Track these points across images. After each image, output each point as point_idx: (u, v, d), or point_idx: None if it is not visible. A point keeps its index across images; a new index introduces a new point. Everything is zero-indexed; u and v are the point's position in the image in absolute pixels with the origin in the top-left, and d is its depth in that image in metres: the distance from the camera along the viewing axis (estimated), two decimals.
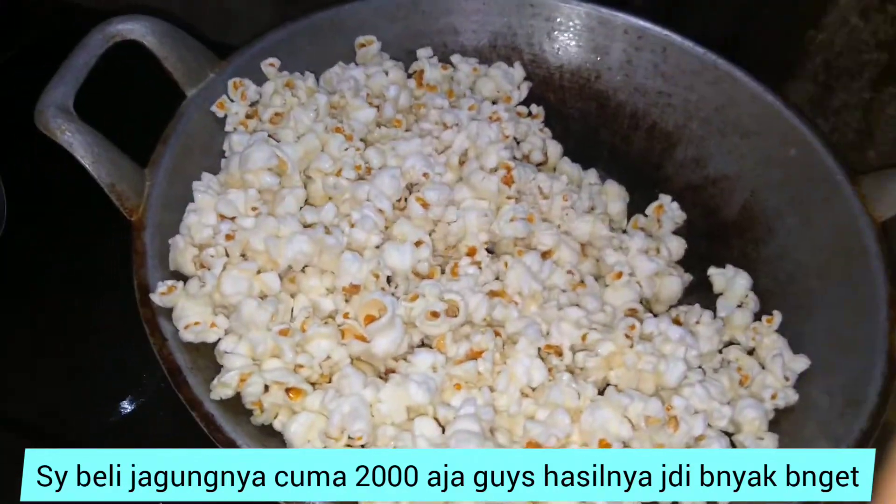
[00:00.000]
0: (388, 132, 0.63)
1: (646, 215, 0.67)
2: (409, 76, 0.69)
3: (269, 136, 0.59)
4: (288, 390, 0.46)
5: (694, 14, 0.76)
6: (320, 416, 0.46)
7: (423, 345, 0.52)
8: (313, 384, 0.48)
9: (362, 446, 0.45)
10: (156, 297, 0.49)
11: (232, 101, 0.61)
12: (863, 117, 0.74)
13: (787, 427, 0.53)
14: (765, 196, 0.66)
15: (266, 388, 0.47)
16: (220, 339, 0.49)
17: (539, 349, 0.51)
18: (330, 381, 0.49)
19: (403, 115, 0.64)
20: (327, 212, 0.54)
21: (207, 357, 0.49)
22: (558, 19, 0.73)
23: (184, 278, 0.52)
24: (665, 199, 0.67)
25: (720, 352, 0.58)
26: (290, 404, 0.46)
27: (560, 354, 0.51)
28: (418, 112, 0.66)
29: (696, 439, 0.50)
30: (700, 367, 0.54)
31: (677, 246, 0.65)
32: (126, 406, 0.61)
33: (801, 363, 0.55)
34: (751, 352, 0.59)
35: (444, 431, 0.46)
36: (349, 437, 0.44)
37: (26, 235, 0.69)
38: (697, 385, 0.51)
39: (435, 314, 0.51)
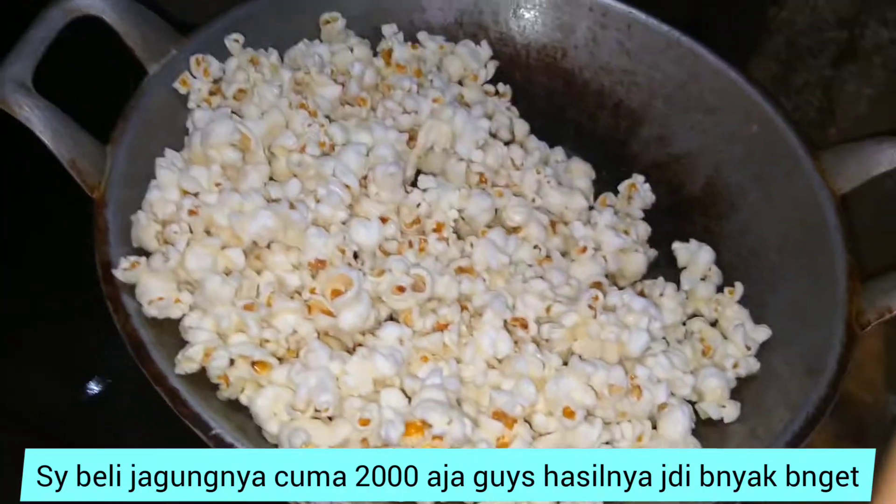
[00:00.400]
0: (353, 111, 0.63)
1: (616, 193, 0.67)
2: (376, 54, 0.69)
3: (233, 112, 0.59)
4: (254, 364, 0.46)
5: None
6: (287, 389, 0.46)
7: (390, 319, 0.52)
8: (280, 359, 0.48)
9: (329, 418, 0.45)
10: (119, 273, 0.48)
11: (194, 77, 0.61)
12: (824, 95, 0.75)
13: (748, 395, 0.54)
14: (728, 172, 0.67)
15: (231, 362, 0.46)
16: (184, 315, 0.49)
17: (505, 321, 0.52)
18: (297, 356, 0.49)
19: (369, 94, 0.64)
20: (292, 187, 0.54)
21: (172, 333, 0.49)
22: None
23: (146, 254, 0.51)
24: (638, 178, 0.67)
25: (684, 324, 0.59)
26: (256, 378, 0.46)
27: (525, 327, 0.52)
28: (385, 92, 0.65)
29: (658, 407, 0.50)
30: (664, 338, 0.55)
31: (643, 229, 0.66)
32: (93, 387, 0.61)
33: (762, 333, 0.56)
34: (714, 324, 0.60)
35: (410, 402, 0.47)
36: (315, 410, 0.44)
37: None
38: (660, 355, 0.52)
39: (401, 288, 0.51)
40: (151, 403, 0.58)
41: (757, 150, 0.65)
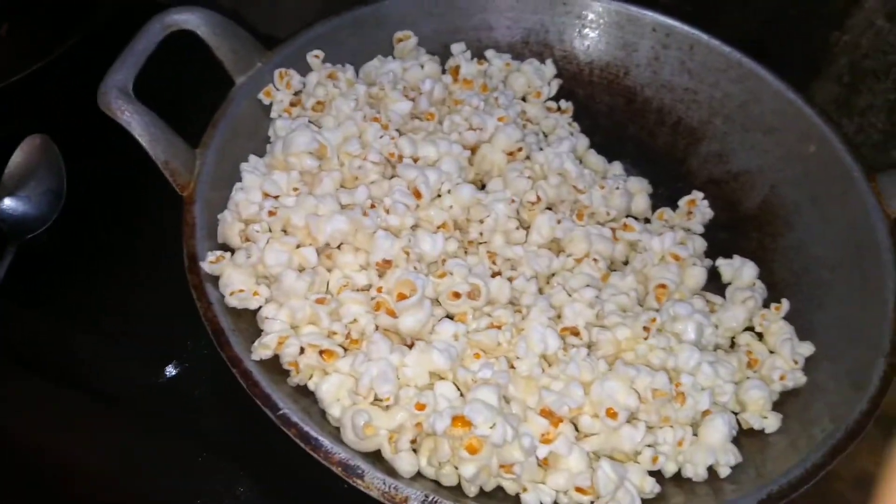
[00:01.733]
0: (422, 125, 0.67)
1: (673, 208, 0.69)
2: (444, 71, 0.73)
3: (311, 122, 0.63)
4: (321, 352, 0.50)
5: (721, 14, 0.79)
6: (349, 377, 0.50)
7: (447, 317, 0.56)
8: (344, 348, 0.52)
9: (387, 407, 0.49)
10: (205, 266, 0.53)
11: (278, 89, 0.66)
12: (888, 118, 0.76)
13: (793, 408, 0.56)
14: (784, 191, 0.68)
15: (302, 350, 0.50)
16: (261, 306, 0.54)
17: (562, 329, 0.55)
18: (357, 346, 0.53)
19: (437, 108, 0.68)
20: (360, 194, 0.58)
21: (247, 321, 0.54)
22: (589, 17, 0.76)
23: (230, 250, 0.56)
24: (697, 194, 0.69)
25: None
26: (323, 365, 0.50)
27: (577, 334, 0.55)
28: (452, 106, 0.69)
29: (701, 414, 0.52)
30: (714, 349, 0.57)
31: (700, 243, 0.67)
32: (171, 370, 0.65)
33: (807, 348, 0.58)
34: (760, 337, 0.61)
35: (461, 394, 0.50)
36: (376, 398, 0.48)
37: (85, 211, 0.74)
38: (705, 364, 0.54)
39: (457, 295, 0.54)
40: (221, 387, 0.64)
41: (814, 170, 0.66)
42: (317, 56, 0.68)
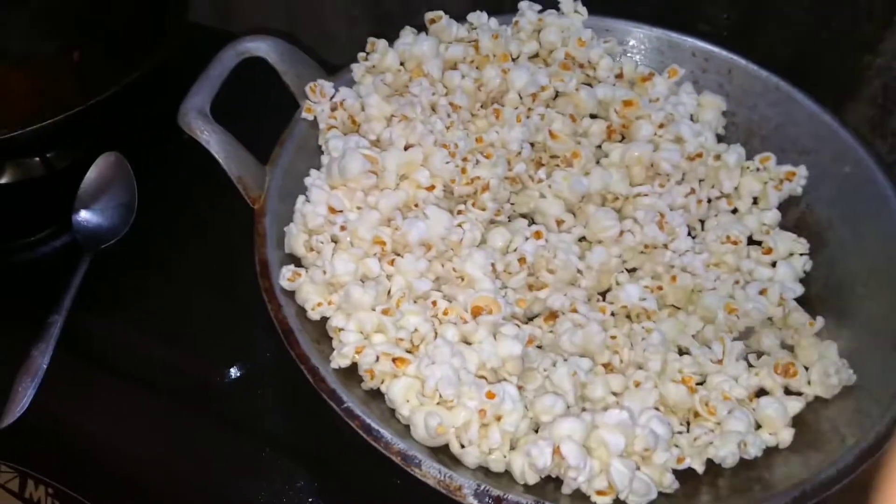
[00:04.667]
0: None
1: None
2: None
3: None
4: (394, 360, 0.54)
5: (756, 39, 0.82)
6: (416, 379, 0.54)
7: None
8: (408, 352, 0.56)
9: (451, 407, 0.53)
10: (283, 283, 0.58)
11: (314, 102, 0.69)
12: None
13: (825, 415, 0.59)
14: (819, 209, 0.71)
15: (377, 358, 0.54)
16: (331, 316, 0.58)
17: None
18: (417, 351, 0.56)
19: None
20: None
21: (312, 323, 0.58)
22: (631, 42, 0.79)
23: (295, 259, 0.61)
24: (801, 170, 0.71)
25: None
26: (395, 371, 0.54)
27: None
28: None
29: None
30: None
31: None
32: (235, 372, 0.70)
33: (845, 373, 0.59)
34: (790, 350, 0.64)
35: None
36: (440, 397, 0.52)
37: (154, 223, 0.79)
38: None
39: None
40: (283, 389, 0.68)
41: (848, 189, 0.69)
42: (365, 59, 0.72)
